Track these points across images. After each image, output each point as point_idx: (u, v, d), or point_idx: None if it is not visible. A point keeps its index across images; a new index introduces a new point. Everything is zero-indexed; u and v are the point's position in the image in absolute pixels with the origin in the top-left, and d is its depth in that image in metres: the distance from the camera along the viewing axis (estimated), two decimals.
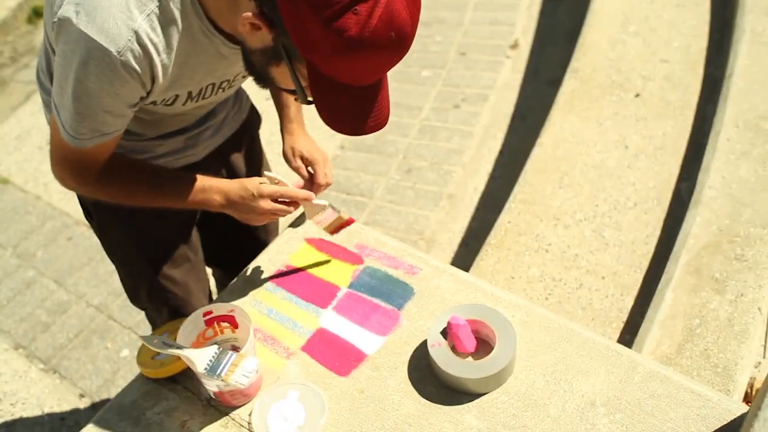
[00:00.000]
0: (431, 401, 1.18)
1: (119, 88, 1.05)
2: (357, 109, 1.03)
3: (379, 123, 1.06)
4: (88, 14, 0.99)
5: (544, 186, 2.32)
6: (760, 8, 2.65)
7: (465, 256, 2.50)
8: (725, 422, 1.09)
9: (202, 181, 1.28)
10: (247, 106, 1.63)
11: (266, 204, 1.28)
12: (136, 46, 1.01)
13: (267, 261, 1.48)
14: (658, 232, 2.13)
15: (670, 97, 2.57)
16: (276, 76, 1.08)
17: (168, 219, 1.48)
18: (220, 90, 1.27)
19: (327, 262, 1.47)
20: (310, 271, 1.45)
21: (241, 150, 1.63)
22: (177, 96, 1.19)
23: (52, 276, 2.77)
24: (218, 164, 1.57)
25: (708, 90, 2.57)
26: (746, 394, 1.62)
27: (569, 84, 2.72)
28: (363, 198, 2.86)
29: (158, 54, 1.05)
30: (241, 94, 1.60)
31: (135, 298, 1.67)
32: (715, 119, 2.28)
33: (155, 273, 1.55)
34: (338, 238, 1.49)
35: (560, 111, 2.61)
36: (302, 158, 1.48)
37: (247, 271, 1.48)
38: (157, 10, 1.02)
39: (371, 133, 1.05)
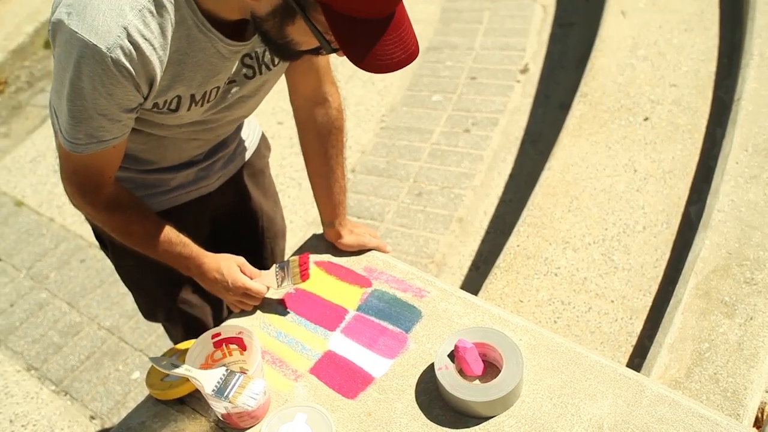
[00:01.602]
0: (438, 424, 1.18)
1: (112, 88, 1.04)
2: (384, 42, 1.00)
3: (410, 54, 1.03)
4: (78, 14, 1.00)
5: (554, 209, 2.33)
6: None
7: (475, 280, 2.50)
8: None
9: (191, 249, 1.33)
10: (257, 135, 1.65)
11: (232, 297, 1.39)
12: (126, 43, 1.00)
13: None
14: (667, 256, 2.13)
15: (679, 121, 2.58)
16: (295, 37, 1.05)
17: None
18: (226, 92, 1.25)
19: (336, 285, 1.48)
20: (318, 293, 1.46)
21: (253, 179, 1.65)
22: (179, 98, 1.17)
23: (65, 298, 2.79)
24: (230, 194, 1.59)
25: (717, 113, 2.57)
26: (756, 418, 1.60)
27: (578, 108, 2.74)
28: (374, 221, 2.88)
29: (154, 50, 1.04)
30: (251, 123, 1.61)
31: (151, 318, 1.70)
32: (724, 142, 2.28)
33: (173, 300, 1.58)
34: (347, 262, 1.51)
35: (569, 135, 2.62)
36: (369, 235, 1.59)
37: None
38: (149, 5, 1.02)
39: (405, 65, 1.02)
